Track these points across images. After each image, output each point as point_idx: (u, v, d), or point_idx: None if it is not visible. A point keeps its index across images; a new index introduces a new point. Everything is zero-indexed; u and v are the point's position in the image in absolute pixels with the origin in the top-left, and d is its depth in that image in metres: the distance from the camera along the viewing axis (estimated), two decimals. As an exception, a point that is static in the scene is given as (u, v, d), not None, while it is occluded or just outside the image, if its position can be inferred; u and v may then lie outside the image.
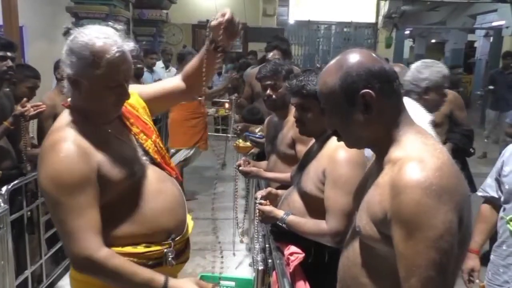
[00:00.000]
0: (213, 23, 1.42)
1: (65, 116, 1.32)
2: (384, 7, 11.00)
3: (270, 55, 3.44)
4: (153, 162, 1.45)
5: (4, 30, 3.73)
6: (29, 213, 2.68)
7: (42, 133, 3.14)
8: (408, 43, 17.17)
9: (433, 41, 16.94)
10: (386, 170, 1.02)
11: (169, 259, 1.37)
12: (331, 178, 1.61)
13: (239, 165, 2.45)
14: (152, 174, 1.42)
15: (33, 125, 3.22)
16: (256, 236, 2.00)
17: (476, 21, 11.94)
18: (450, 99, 3.07)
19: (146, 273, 1.27)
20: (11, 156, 2.64)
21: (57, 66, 3.27)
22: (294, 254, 1.70)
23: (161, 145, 1.50)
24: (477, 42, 13.80)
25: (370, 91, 1.00)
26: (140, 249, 1.33)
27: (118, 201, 1.32)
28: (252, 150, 3.13)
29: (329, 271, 1.37)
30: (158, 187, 1.40)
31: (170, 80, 1.68)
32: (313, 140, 1.88)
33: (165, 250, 1.37)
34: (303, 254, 1.69)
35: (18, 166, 2.70)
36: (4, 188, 2.34)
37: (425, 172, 0.92)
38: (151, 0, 7.86)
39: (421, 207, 0.90)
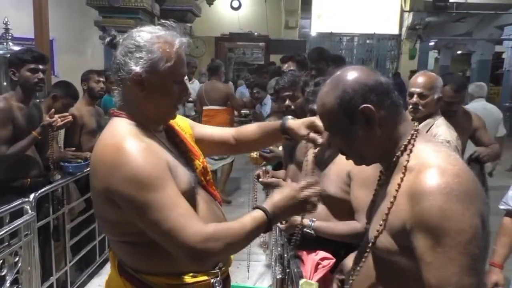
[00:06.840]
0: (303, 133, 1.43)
1: (120, 123, 1.21)
2: (408, 19, 10.89)
3: (285, 66, 3.47)
4: (198, 183, 1.33)
5: (36, 42, 3.85)
6: (55, 220, 2.76)
7: (68, 142, 3.25)
8: (433, 54, 16.94)
9: (459, 52, 16.66)
10: (399, 180, 1.00)
11: None
12: (359, 179, 1.62)
13: (258, 176, 2.45)
14: (202, 193, 1.31)
15: (60, 135, 3.33)
16: (274, 245, 2.00)
17: (503, 32, 11.71)
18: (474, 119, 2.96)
19: (248, 218, 1.14)
20: (38, 165, 2.73)
21: (84, 78, 3.39)
22: (325, 259, 1.70)
23: (208, 169, 1.40)
24: (505, 53, 13.51)
25: (369, 105, 1.00)
26: (188, 279, 1.23)
27: None
28: (264, 162, 3.15)
29: None
30: (210, 208, 1.30)
31: (222, 130, 1.59)
32: None
33: (212, 281, 1.26)
34: (334, 259, 1.70)
35: (45, 175, 2.79)
36: (31, 196, 2.41)
37: (444, 178, 0.91)
38: (175, 14, 8.03)
39: (446, 212, 0.87)
